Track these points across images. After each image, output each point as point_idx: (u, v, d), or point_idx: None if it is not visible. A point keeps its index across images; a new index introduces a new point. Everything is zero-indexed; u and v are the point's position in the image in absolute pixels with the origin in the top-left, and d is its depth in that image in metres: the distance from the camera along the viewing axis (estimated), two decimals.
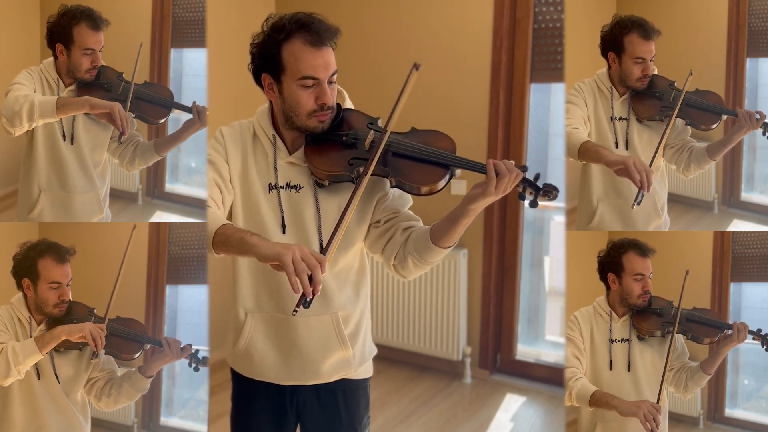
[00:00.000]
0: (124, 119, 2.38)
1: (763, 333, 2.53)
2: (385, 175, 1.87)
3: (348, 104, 2.01)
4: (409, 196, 1.97)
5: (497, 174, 1.77)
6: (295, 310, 1.71)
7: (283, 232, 1.94)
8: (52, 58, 2.50)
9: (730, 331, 2.53)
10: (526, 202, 1.86)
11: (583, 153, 2.42)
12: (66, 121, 2.51)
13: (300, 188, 1.93)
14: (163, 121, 2.58)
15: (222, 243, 1.78)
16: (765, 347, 2.53)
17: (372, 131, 1.90)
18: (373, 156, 1.82)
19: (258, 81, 1.95)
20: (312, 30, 1.85)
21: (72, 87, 2.51)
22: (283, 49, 1.86)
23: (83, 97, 2.45)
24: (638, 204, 2.34)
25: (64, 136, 2.52)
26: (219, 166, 1.93)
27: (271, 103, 1.97)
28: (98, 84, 2.51)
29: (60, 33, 2.45)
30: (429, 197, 1.90)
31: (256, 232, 1.81)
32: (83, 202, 2.57)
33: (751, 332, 2.53)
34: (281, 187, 1.93)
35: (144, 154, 2.59)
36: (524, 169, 1.83)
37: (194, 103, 2.55)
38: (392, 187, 1.89)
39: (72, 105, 2.41)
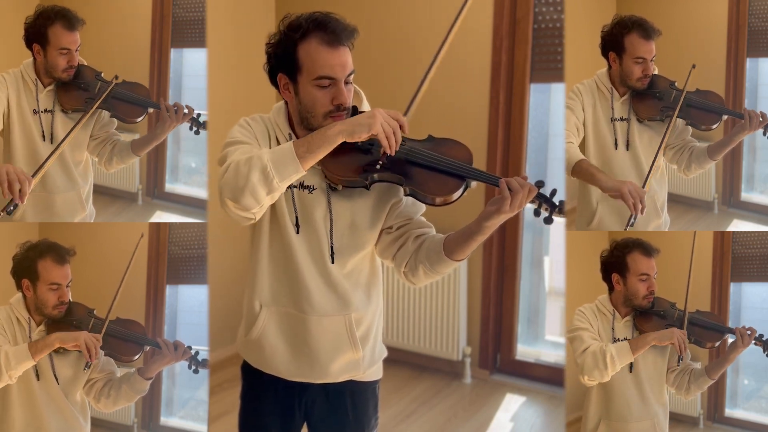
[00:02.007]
0: (15, 182, 2.29)
1: (764, 338, 2.52)
2: (399, 183, 1.85)
3: (365, 105, 1.99)
4: None
5: (511, 191, 1.76)
6: (380, 163, 1.80)
7: (297, 232, 1.93)
8: (31, 59, 2.51)
9: (732, 337, 2.52)
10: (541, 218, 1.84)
11: (577, 172, 2.44)
12: (45, 120, 2.51)
13: (313, 189, 1.91)
14: (140, 120, 2.57)
15: (307, 150, 1.76)
16: (766, 353, 2.52)
17: None
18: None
19: (273, 81, 1.92)
20: (329, 29, 1.82)
21: (51, 87, 2.52)
22: (300, 49, 1.83)
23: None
24: (631, 226, 2.39)
25: (43, 137, 2.52)
26: (253, 146, 1.88)
27: (286, 102, 1.95)
28: (75, 83, 2.52)
29: (36, 33, 2.47)
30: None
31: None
32: (64, 201, 2.57)
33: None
34: (294, 187, 1.91)
35: (121, 154, 2.59)
36: (541, 184, 1.81)
37: (167, 103, 2.55)
38: (406, 195, 1.87)
39: None
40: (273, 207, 1.93)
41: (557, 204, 1.81)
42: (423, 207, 1.97)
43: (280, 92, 1.91)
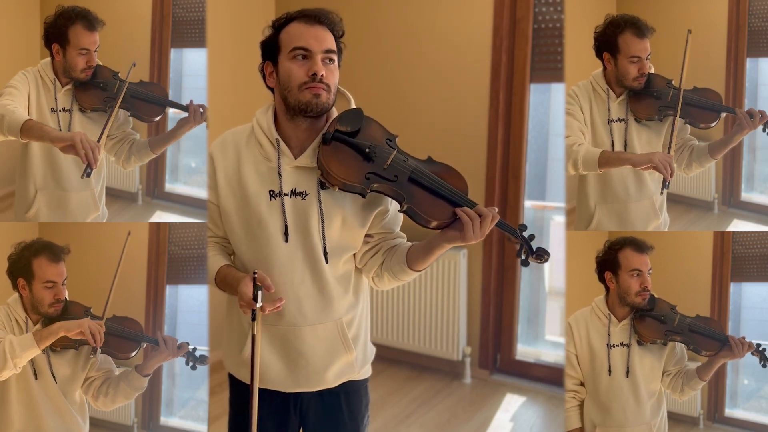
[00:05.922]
0: (89, 149, 2.38)
1: (761, 348, 2.51)
2: (399, 199, 1.85)
3: (352, 106, 2.00)
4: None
5: (471, 218, 1.81)
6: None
7: (286, 241, 1.92)
8: (49, 59, 2.52)
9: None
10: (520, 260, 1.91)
11: (605, 162, 2.45)
12: (63, 119, 2.52)
13: (306, 195, 1.91)
14: (158, 119, 2.60)
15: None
16: (762, 363, 2.50)
17: (395, 151, 1.88)
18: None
19: (263, 75, 1.95)
20: (311, 14, 1.88)
21: (68, 86, 2.53)
22: (282, 33, 1.88)
23: (45, 127, 2.45)
24: (666, 188, 2.50)
25: None
26: (211, 197, 1.98)
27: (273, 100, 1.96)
28: (94, 83, 2.54)
29: (56, 33, 2.49)
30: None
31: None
32: (79, 200, 2.58)
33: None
34: (286, 194, 1.91)
35: (139, 152, 2.60)
36: (523, 227, 1.87)
37: (191, 101, 2.57)
38: (401, 211, 1.87)
39: (35, 130, 2.42)
40: (245, 220, 1.94)
41: (534, 250, 1.88)
42: (402, 219, 2.00)
43: (266, 81, 1.94)
